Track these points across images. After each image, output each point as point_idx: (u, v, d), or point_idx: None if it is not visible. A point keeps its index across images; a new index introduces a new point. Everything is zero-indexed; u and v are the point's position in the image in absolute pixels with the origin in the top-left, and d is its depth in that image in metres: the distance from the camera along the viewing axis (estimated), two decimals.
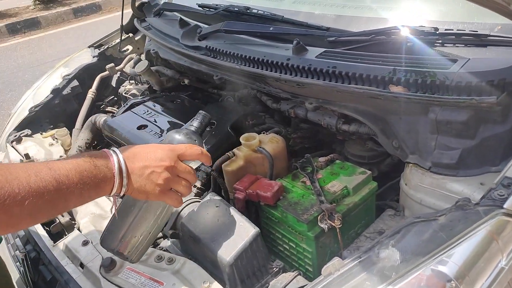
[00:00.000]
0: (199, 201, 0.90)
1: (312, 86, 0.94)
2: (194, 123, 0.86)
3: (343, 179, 0.92)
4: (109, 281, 0.79)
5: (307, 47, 0.98)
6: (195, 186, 0.96)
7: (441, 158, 0.82)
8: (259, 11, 1.19)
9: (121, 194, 0.67)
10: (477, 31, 0.84)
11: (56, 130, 1.40)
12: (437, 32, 0.87)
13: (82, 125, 1.46)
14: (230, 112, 1.17)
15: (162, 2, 1.69)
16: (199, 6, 1.42)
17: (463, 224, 0.62)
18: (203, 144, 0.84)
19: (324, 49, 0.96)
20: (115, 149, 0.69)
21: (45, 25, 7.52)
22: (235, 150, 1.00)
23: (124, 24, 1.67)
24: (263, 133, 1.05)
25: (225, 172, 0.98)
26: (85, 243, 0.88)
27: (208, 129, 1.14)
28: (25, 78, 4.95)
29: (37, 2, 8.27)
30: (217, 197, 0.88)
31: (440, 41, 0.87)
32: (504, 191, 0.65)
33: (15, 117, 1.45)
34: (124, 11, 1.63)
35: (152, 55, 1.48)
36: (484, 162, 0.79)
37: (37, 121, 1.43)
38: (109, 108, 1.60)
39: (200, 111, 0.87)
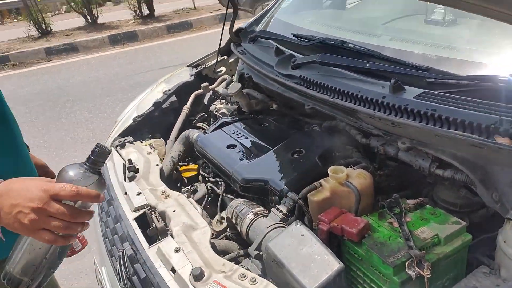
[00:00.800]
0: (284, 227, 0.94)
1: (407, 126, 0.94)
2: (89, 160, 0.80)
3: (434, 226, 0.89)
4: None
5: (405, 87, 0.98)
6: (281, 211, 1.00)
7: None
8: (356, 46, 1.21)
9: None
10: None
11: (154, 140, 1.54)
12: None
13: (176, 138, 1.58)
14: (318, 142, 1.20)
15: (257, 30, 1.80)
16: (294, 36, 1.48)
17: None
18: (92, 181, 0.79)
19: (423, 90, 0.96)
20: None
21: (142, 38, 8.24)
22: (322, 181, 1.02)
23: (220, 47, 1.80)
24: (351, 167, 1.06)
25: (310, 201, 1.01)
26: (177, 250, 0.96)
27: (295, 156, 1.18)
28: (121, 86, 5.46)
29: (137, 17, 9.10)
30: (303, 226, 0.91)
31: None
32: None
33: (120, 124, 1.62)
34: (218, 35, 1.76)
35: (245, 78, 1.57)
36: None
37: (138, 130, 1.59)
38: (199, 124, 1.72)
39: (97, 143, 0.81)
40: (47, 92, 5.60)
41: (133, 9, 9.02)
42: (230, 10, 1.68)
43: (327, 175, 1.04)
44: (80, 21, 9.23)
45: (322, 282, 0.79)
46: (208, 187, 1.35)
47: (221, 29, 1.71)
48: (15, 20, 12.74)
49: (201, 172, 1.44)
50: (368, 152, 1.17)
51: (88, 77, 6.05)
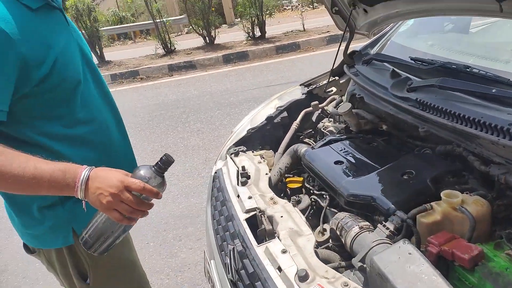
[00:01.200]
0: (390, 244, 0.95)
1: None
2: (157, 164, 1.01)
3: None
4: None
5: None
6: (387, 228, 1.01)
7: None
8: (481, 71, 1.17)
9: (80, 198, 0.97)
10: None
11: (264, 151, 1.66)
12: None
13: (284, 151, 1.68)
14: (431, 165, 1.18)
15: (371, 52, 1.83)
16: (412, 59, 1.48)
17: None
18: (156, 182, 1.00)
19: None
20: (89, 168, 0.98)
21: (252, 57, 8.75)
22: (433, 203, 1.01)
23: (333, 68, 1.86)
24: (466, 193, 1.03)
25: (420, 223, 1.00)
26: (284, 251, 1.03)
27: (405, 177, 1.18)
28: (230, 100, 5.86)
29: (249, 38, 9.70)
30: (410, 245, 0.91)
31: None
32: None
33: (235, 135, 1.78)
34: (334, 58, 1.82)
35: (356, 99, 1.61)
36: None
37: (251, 141, 1.72)
38: (306, 140, 1.80)
39: (165, 153, 1.01)
40: (167, 103, 6.27)
41: (246, 31, 9.65)
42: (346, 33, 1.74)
43: (439, 199, 1.02)
44: (199, 41, 10.19)
45: None
46: (312, 199, 1.40)
47: (335, 50, 1.78)
48: (145, 40, 14.59)
49: (306, 185, 1.50)
50: (486, 180, 1.11)
51: (202, 92, 6.62)
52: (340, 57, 1.85)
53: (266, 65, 7.94)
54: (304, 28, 10.01)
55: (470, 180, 1.12)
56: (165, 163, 1.02)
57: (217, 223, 1.44)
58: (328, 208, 1.32)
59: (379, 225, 1.04)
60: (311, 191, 1.45)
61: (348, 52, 1.83)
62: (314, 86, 1.93)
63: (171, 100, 6.44)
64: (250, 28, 9.59)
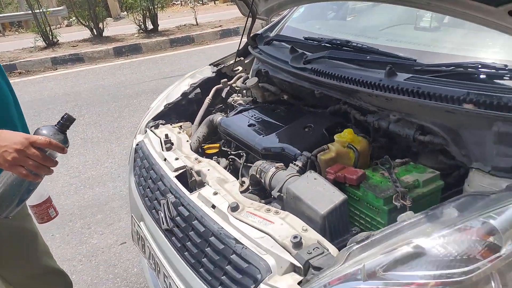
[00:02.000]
0: (299, 176, 1.19)
1: (398, 100, 1.21)
2: (59, 123, 1.09)
3: (415, 175, 1.16)
4: (234, 217, 1.09)
5: (397, 73, 1.26)
6: (297, 165, 1.26)
7: (500, 163, 1.03)
8: (358, 44, 1.50)
9: None
10: None
11: (182, 123, 1.80)
12: (506, 68, 1.10)
13: (199, 123, 1.84)
14: (325, 119, 1.47)
15: (271, 35, 2.09)
16: (305, 39, 1.77)
17: (510, 197, 0.84)
18: (60, 138, 1.07)
19: (411, 75, 1.24)
20: None
21: (145, 50, 8.56)
22: (329, 144, 1.29)
23: (239, 49, 2.08)
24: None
25: (320, 160, 1.27)
26: (215, 193, 1.20)
27: (306, 130, 1.44)
28: (126, 93, 5.71)
29: (141, 31, 9.44)
30: (315, 173, 1.16)
31: (509, 75, 1.10)
32: None
33: (153, 110, 1.88)
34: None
35: (261, 74, 1.85)
36: None
37: (168, 116, 1.84)
38: (218, 113, 1.98)
39: (66, 112, 1.10)
40: (55, 97, 5.82)
41: (138, 23, 9.37)
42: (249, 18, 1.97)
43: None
44: (85, 34, 9.56)
45: (331, 208, 1.04)
46: (230, 159, 1.60)
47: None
48: (17, 33, 13.06)
49: (223, 149, 1.69)
50: (365, 127, 1.43)
51: (94, 85, 6.30)
52: (244, 40, 2.07)
53: (161, 57, 7.87)
54: (197, 22, 10.13)
55: (354, 128, 1.43)
56: (67, 120, 1.09)
57: (143, 188, 1.54)
58: (245, 163, 1.53)
59: (290, 164, 1.28)
60: (228, 153, 1.64)
61: (251, 35, 2.06)
62: (222, 66, 2.12)
63: (59, 94, 6.00)
64: (142, 20, 9.35)
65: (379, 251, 0.84)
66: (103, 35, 9.42)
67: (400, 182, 1.13)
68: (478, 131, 1.08)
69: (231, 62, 2.12)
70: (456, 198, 0.89)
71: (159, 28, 9.57)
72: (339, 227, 1.07)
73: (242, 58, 2.15)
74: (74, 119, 1.10)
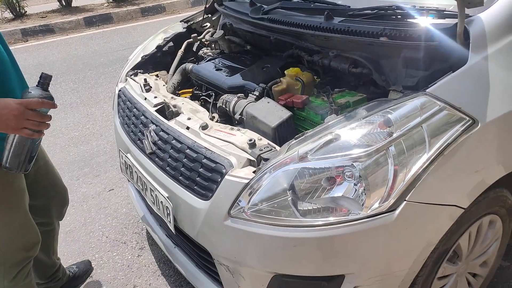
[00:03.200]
0: (255, 102, 1.49)
1: (333, 38, 1.50)
2: (39, 83, 1.19)
3: (348, 98, 1.47)
4: (204, 133, 1.38)
5: (334, 17, 1.55)
6: (255, 95, 1.55)
7: (407, 83, 1.35)
8: None
9: None
10: (438, 8, 1.37)
11: (158, 72, 2.04)
12: (414, 8, 1.40)
13: (174, 71, 2.09)
14: (279, 60, 1.75)
15: None
16: None
17: (404, 100, 1.15)
18: (47, 95, 1.18)
19: (344, 18, 1.52)
20: None
21: (117, 20, 8.51)
22: (281, 78, 1.58)
23: (206, 6, 2.31)
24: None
25: (273, 91, 1.56)
26: (189, 118, 1.48)
27: (264, 69, 1.73)
28: (101, 61, 5.81)
29: (110, 0, 9.31)
30: (269, 99, 1.46)
31: (416, 13, 1.40)
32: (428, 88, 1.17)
33: (131, 62, 2.11)
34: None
35: (227, 27, 2.10)
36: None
37: (145, 66, 2.08)
38: (190, 63, 2.23)
39: (42, 72, 1.19)
40: (28, 67, 5.85)
41: None
42: None
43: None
44: (53, 5, 9.36)
45: (280, 121, 1.34)
46: (201, 100, 1.87)
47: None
48: None
49: (195, 92, 1.96)
50: (313, 66, 1.73)
51: (68, 55, 6.34)
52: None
53: (132, 27, 7.87)
54: None
55: (303, 67, 1.72)
56: (45, 78, 1.19)
57: (127, 125, 1.80)
58: (214, 101, 1.81)
59: (250, 94, 1.57)
60: (200, 95, 1.91)
61: None
62: (192, 22, 2.35)
63: (31, 64, 6.02)
64: None
65: (310, 142, 1.15)
66: (72, 5, 9.26)
67: (335, 103, 1.44)
68: (392, 59, 1.39)
69: (200, 19, 2.35)
70: (367, 103, 1.21)
71: None
72: (286, 137, 1.37)
73: (209, 15, 2.38)
74: (51, 76, 1.22)
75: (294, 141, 1.19)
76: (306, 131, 1.22)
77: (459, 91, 1.17)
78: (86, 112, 4.15)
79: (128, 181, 2.05)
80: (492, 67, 1.20)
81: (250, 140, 1.25)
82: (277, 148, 1.25)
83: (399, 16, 1.43)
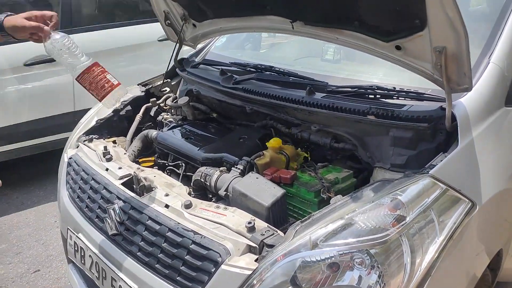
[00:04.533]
0: (241, 177, 1.38)
1: (318, 113, 1.49)
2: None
3: (335, 173, 1.43)
4: (189, 213, 1.21)
5: (315, 92, 1.55)
6: (239, 169, 1.43)
7: (396, 161, 1.35)
8: (281, 69, 1.78)
9: None
10: (417, 91, 1.44)
11: (116, 138, 1.84)
12: (395, 89, 1.46)
13: (132, 138, 1.91)
14: (256, 132, 1.69)
15: (196, 59, 2.27)
16: (232, 63, 2.00)
17: (409, 181, 1.14)
18: None
19: (325, 94, 1.53)
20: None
21: None
22: (264, 151, 1.50)
23: (167, 71, 2.22)
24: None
25: (257, 164, 1.47)
26: (167, 195, 1.31)
27: (241, 140, 1.64)
28: None
29: None
30: (256, 173, 1.36)
31: (396, 95, 1.45)
32: (430, 170, 1.18)
33: (83, 125, 1.89)
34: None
35: (193, 93, 2.01)
36: (421, 165, 1.33)
37: (99, 131, 1.87)
38: (151, 129, 2.06)
39: None
40: None
41: None
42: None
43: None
44: None
45: (274, 200, 1.24)
46: (167, 170, 1.70)
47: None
48: None
49: (158, 161, 1.78)
50: (291, 137, 1.68)
51: None
52: (172, 64, 2.21)
53: None
54: None
55: (283, 138, 1.67)
56: None
57: (80, 200, 1.55)
58: (184, 172, 1.65)
59: (233, 167, 1.45)
60: (166, 164, 1.74)
61: (178, 59, 2.22)
62: (150, 86, 2.22)
63: None
64: None
65: (318, 226, 1.06)
66: None
67: (325, 180, 1.38)
68: (379, 137, 1.40)
69: (159, 83, 2.24)
70: (371, 183, 1.17)
71: None
72: (280, 217, 1.27)
73: (169, 80, 2.28)
74: None
75: (301, 224, 1.09)
76: (312, 213, 1.13)
77: (456, 173, 1.20)
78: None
79: (69, 263, 1.73)
80: (479, 148, 1.25)
81: (249, 222, 1.12)
82: (279, 232, 1.13)
83: (378, 96, 1.48)
